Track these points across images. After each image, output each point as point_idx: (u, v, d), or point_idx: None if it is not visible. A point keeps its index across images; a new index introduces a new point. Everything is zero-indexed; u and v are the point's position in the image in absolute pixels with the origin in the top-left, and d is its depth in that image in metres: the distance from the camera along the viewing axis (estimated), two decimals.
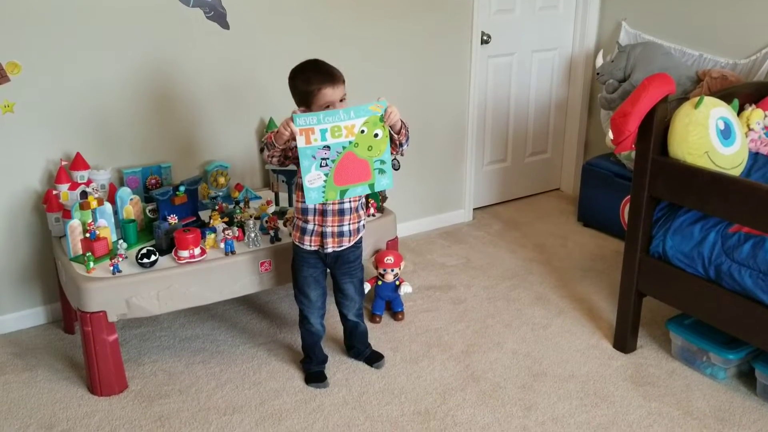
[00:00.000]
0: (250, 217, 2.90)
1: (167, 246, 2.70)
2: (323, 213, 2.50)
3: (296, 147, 2.31)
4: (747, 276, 2.45)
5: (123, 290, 2.54)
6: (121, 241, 2.65)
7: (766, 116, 2.98)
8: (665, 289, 2.74)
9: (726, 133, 2.65)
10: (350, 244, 2.58)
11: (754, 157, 2.90)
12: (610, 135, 2.68)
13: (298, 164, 2.35)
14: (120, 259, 2.58)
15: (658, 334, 3.02)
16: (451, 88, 3.98)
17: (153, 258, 2.58)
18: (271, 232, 2.82)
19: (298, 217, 2.55)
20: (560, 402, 2.62)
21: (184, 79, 3.14)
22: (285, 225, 2.89)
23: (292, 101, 3.38)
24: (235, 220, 2.90)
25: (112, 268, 2.54)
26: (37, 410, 2.56)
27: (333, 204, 2.47)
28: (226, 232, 2.73)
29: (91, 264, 2.55)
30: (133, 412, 2.56)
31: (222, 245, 2.72)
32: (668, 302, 2.78)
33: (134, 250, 2.65)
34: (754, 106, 3.01)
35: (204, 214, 2.99)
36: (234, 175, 3.33)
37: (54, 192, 2.80)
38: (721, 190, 2.47)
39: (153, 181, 3.06)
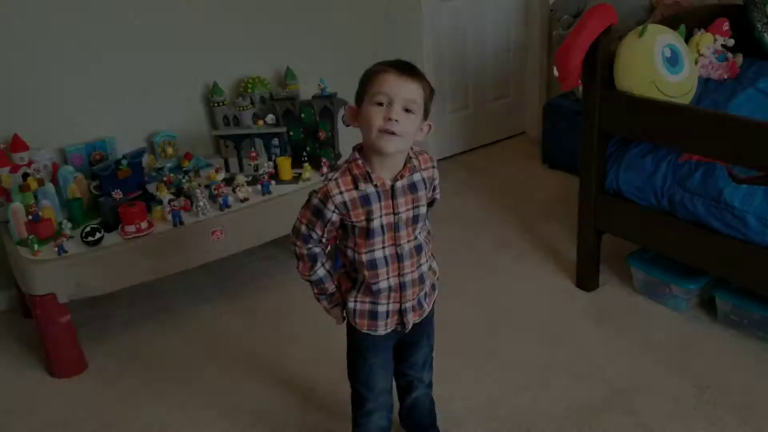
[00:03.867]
0: (199, 185, 2.84)
1: (114, 222, 2.65)
2: (402, 287, 1.81)
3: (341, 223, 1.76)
4: (699, 204, 2.42)
5: (70, 270, 2.49)
6: (65, 221, 2.60)
7: (716, 40, 2.92)
8: (622, 224, 2.72)
9: (673, 61, 2.59)
10: (430, 306, 1.97)
11: (705, 83, 2.84)
12: (556, 72, 2.62)
13: (347, 233, 1.78)
14: (64, 239, 2.53)
15: (620, 270, 3.00)
16: (403, 37, 3.89)
17: (98, 235, 2.53)
18: (220, 200, 2.76)
19: (360, 301, 1.83)
20: (522, 345, 2.61)
21: (121, 48, 3.05)
22: (234, 191, 2.83)
23: (235, 63, 3.33)
24: (183, 190, 2.85)
25: (57, 248, 2.49)
26: None
27: (412, 272, 1.80)
28: (173, 203, 2.68)
29: (36, 246, 2.50)
30: (93, 391, 2.54)
31: (170, 217, 2.67)
32: (626, 237, 2.76)
33: (80, 229, 2.60)
34: (703, 30, 2.94)
35: (153, 187, 2.94)
36: (183, 144, 3.26)
37: None
38: (668, 120, 2.43)
39: (98, 156, 3.00)
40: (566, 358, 2.52)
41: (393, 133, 1.61)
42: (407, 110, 1.62)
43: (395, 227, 1.73)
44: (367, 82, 1.66)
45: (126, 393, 2.51)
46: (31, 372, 2.66)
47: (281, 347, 2.70)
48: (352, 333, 1.90)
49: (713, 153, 2.35)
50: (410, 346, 1.98)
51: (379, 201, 1.70)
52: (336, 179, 1.70)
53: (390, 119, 1.60)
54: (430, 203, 1.91)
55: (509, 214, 3.61)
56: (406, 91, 1.62)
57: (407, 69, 1.65)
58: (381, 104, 1.62)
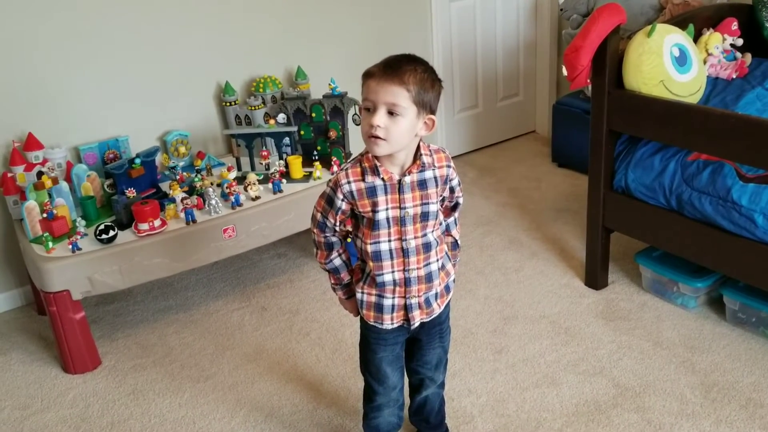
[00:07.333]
0: (211, 184, 2.87)
1: (128, 220, 2.69)
2: (407, 282, 1.83)
3: (358, 212, 1.79)
4: (707, 203, 2.43)
5: (84, 268, 2.53)
6: (79, 219, 2.64)
7: (724, 40, 2.93)
8: (630, 222, 2.73)
9: (681, 60, 2.61)
10: (442, 308, 1.95)
11: (714, 82, 2.85)
12: (565, 71, 2.63)
13: (359, 223, 1.83)
14: (78, 237, 2.56)
15: (629, 269, 3.02)
16: (413, 38, 3.92)
17: (111, 233, 2.56)
18: (232, 198, 2.79)
19: (367, 292, 1.86)
20: (531, 343, 2.63)
21: (134, 48, 3.09)
22: (246, 190, 2.86)
23: (246, 62, 3.36)
24: (195, 188, 2.88)
25: (71, 246, 2.53)
26: (11, 392, 2.58)
27: (418, 268, 1.81)
28: (185, 202, 2.72)
29: (50, 244, 2.54)
30: (107, 387, 2.57)
31: (182, 215, 2.71)
32: (634, 236, 2.77)
33: (94, 227, 2.63)
34: (711, 30, 2.95)
35: (166, 186, 2.97)
36: (195, 143, 3.30)
37: (9, 174, 2.78)
38: (676, 119, 2.44)
39: (111, 155, 3.04)
40: (575, 356, 2.54)
41: (378, 138, 1.64)
42: (391, 113, 1.63)
43: (401, 221, 1.76)
44: (362, 86, 1.68)
45: (139, 389, 2.55)
46: (46, 368, 2.70)
47: (293, 343, 2.73)
48: (363, 325, 1.94)
49: (721, 152, 2.36)
50: (422, 345, 2.00)
51: (386, 194, 1.74)
52: (346, 169, 1.75)
53: (372, 125, 1.63)
54: (453, 208, 1.92)
55: (518, 213, 3.63)
56: (387, 95, 1.62)
57: (389, 70, 1.63)
58: (368, 109, 1.65)
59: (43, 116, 2.95)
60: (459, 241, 1.99)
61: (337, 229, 1.82)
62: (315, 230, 1.85)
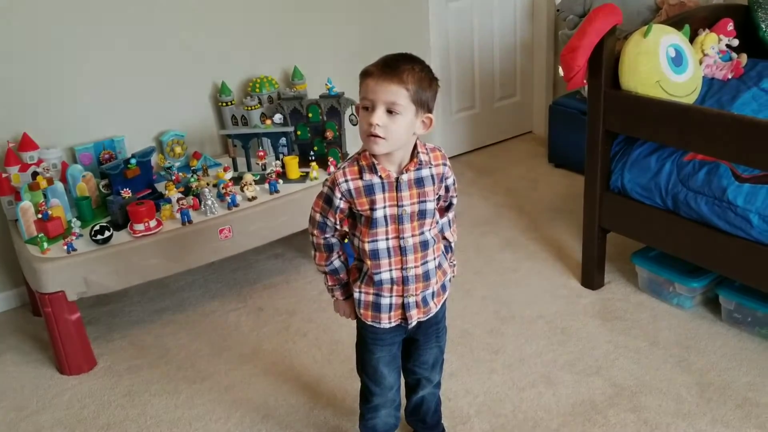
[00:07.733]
0: (207, 184, 2.87)
1: (123, 220, 2.68)
2: (404, 281, 1.83)
3: (357, 211, 1.78)
4: (703, 203, 2.43)
5: (79, 268, 2.52)
6: (74, 219, 2.63)
7: (720, 40, 2.93)
8: (627, 223, 2.73)
9: (677, 61, 2.61)
10: (438, 307, 1.96)
11: (710, 82, 2.85)
12: (561, 72, 2.63)
13: (356, 222, 1.82)
14: (74, 238, 2.56)
15: (625, 269, 3.02)
16: (411, 38, 3.91)
17: (106, 234, 2.56)
18: (228, 199, 2.79)
19: (364, 291, 1.86)
20: (527, 343, 2.63)
21: (130, 48, 3.08)
22: (242, 190, 2.85)
23: (243, 62, 3.36)
24: (191, 188, 2.87)
25: (66, 247, 2.52)
26: (6, 394, 2.57)
27: (415, 266, 1.81)
28: (181, 202, 2.71)
29: (45, 245, 2.53)
30: (102, 388, 2.56)
31: (178, 215, 2.70)
32: (630, 236, 2.77)
33: (89, 228, 2.63)
34: (707, 30, 2.95)
35: (162, 186, 2.96)
36: (191, 143, 3.29)
37: (4, 175, 2.77)
38: (672, 119, 2.45)
39: (107, 156, 3.03)
40: (571, 356, 2.54)
41: (377, 137, 1.64)
42: (390, 112, 1.63)
43: (399, 219, 1.76)
44: (360, 85, 1.68)
45: (135, 390, 2.54)
46: (41, 369, 2.69)
47: (289, 344, 2.73)
48: (360, 325, 1.93)
49: (717, 152, 2.36)
50: (419, 345, 1.99)
51: (383, 192, 1.74)
52: (344, 168, 1.76)
53: (371, 124, 1.63)
54: (447, 207, 1.92)
55: (515, 214, 3.63)
56: (386, 93, 1.62)
57: (388, 69, 1.63)
58: (367, 108, 1.65)
59: (38, 116, 2.94)
60: (453, 244, 1.98)
61: (338, 228, 1.82)
62: (315, 232, 1.84)
